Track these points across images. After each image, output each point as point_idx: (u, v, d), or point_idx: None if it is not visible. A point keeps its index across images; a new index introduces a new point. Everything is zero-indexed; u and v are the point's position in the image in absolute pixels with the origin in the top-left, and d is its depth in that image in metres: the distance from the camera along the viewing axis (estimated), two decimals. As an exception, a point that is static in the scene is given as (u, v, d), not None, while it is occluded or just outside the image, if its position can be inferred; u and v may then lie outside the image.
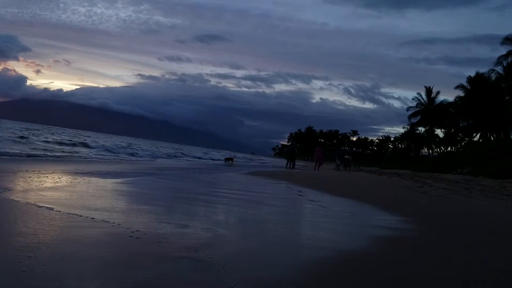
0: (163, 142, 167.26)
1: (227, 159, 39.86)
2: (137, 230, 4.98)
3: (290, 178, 18.59)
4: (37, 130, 59.59)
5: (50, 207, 5.80)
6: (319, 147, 40.66)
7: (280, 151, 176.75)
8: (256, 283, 3.52)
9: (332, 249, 5.05)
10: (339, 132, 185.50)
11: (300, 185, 15.15)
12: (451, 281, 4.05)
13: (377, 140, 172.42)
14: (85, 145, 33.93)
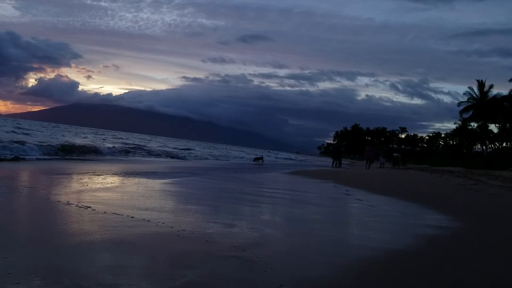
0: (208, 142, 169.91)
1: (257, 159, 39.69)
2: (183, 230, 5.11)
3: (337, 177, 18.34)
4: (102, 134, 61.93)
5: (103, 209, 6.05)
6: (369, 146, 41.11)
7: (326, 150, 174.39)
8: (303, 283, 3.50)
9: (379, 248, 4.95)
10: (387, 130, 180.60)
11: (347, 184, 14.91)
12: (500, 284, 3.85)
13: (427, 137, 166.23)
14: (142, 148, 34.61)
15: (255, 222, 6.17)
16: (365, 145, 41.93)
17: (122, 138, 52.15)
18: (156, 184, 10.32)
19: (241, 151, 68.14)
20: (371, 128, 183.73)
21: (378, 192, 12.33)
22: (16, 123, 55.57)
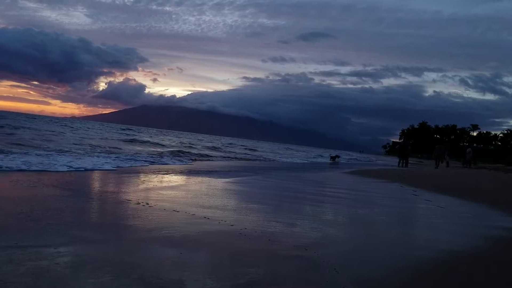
0: (269, 142, 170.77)
1: (333, 158, 39.18)
2: (245, 228, 5.15)
3: (403, 177, 17.64)
4: (189, 138, 63.64)
5: (171, 207, 6.25)
6: (439, 145, 39.79)
7: (391, 149, 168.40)
8: (367, 284, 3.38)
9: (445, 250, 4.74)
10: (457, 127, 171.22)
11: (415, 184, 14.31)
12: None
13: (501, 135, 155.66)
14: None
15: (318, 222, 6.07)
16: (434, 143, 40.22)
17: (203, 140, 52.19)
18: (219, 183, 10.50)
19: (304, 151, 67.72)
20: (440, 126, 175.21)
21: (448, 193, 11.72)
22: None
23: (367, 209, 8.14)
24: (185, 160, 19.23)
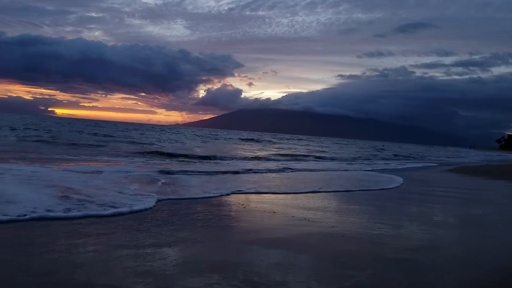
0: (368, 141, 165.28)
1: None
2: (347, 230, 5.04)
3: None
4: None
5: (270, 209, 6.35)
6: None
7: (507, 143, 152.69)
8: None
9: None
10: None
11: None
12: None
13: None
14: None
15: (426, 224, 5.73)
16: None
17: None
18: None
19: (411, 148, 64.29)
20: None
21: None
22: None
23: (478, 209, 7.52)
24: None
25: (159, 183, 8.02)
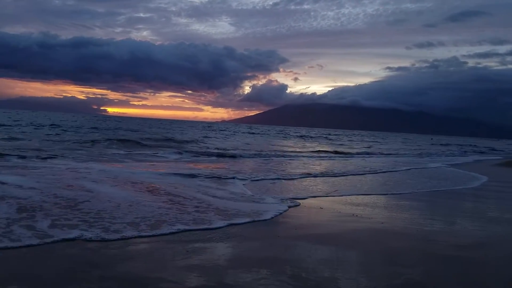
0: (421, 134, 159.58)
1: None
2: (396, 226, 4.93)
3: None
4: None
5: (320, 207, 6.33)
6: None
7: None
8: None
9: None
10: None
11: None
12: None
13: None
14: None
15: (481, 220, 5.51)
16: None
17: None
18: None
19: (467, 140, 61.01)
20: None
21: None
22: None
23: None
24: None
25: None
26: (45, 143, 16.00)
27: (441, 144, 44.59)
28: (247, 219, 4.91)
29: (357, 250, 3.94)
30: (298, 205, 6.02)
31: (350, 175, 10.93)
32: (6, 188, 5.80)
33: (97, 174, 7.77)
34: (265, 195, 6.78)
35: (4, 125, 26.49)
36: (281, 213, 5.36)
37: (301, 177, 9.63)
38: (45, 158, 10.39)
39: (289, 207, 5.79)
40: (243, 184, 7.89)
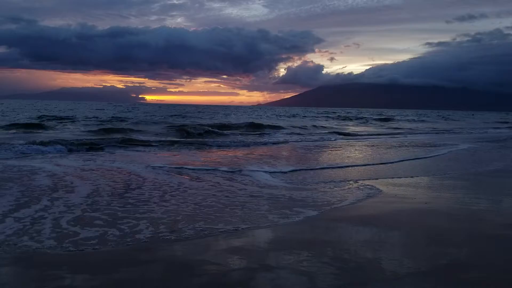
0: (463, 111, 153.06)
1: None
2: (441, 206, 4.80)
3: None
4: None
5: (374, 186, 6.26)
6: None
7: None
8: None
9: None
10: None
11: None
12: None
13: None
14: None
15: (531, 198, 5.28)
16: None
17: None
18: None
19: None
20: None
21: None
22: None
23: None
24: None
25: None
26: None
27: (485, 122, 42.54)
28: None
29: (401, 231, 3.88)
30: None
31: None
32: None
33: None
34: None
35: (66, 118, 23.97)
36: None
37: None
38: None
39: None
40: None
